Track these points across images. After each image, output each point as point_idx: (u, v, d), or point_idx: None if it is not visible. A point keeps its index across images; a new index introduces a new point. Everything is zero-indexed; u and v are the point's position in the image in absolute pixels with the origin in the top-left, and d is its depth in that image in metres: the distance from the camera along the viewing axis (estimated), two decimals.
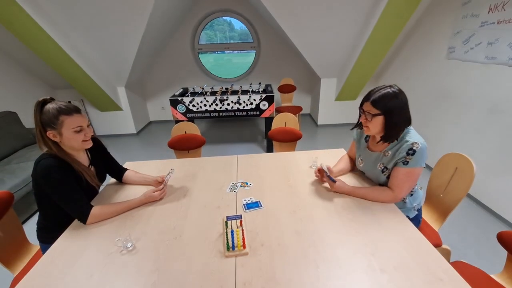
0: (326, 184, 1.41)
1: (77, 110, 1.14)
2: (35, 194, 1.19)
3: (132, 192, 1.42)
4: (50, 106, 1.09)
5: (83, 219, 1.14)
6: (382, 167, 1.27)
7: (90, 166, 1.31)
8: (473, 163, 1.27)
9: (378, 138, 1.25)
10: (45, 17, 2.75)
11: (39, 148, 1.14)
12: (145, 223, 1.17)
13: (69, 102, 1.17)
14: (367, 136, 1.39)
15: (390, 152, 1.23)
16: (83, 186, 1.20)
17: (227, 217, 1.15)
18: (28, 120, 3.45)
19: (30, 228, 2.18)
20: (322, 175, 1.39)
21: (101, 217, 1.18)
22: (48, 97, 1.13)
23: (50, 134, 1.10)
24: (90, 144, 1.21)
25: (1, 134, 2.72)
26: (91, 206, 1.16)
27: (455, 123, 2.58)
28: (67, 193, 1.12)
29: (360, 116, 1.25)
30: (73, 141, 1.14)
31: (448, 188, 1.40)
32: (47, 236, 1.22)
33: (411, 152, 1.14)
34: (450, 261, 1.26)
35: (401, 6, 2.65)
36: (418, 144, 1.13)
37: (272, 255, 0.97)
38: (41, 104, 1.10)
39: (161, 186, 1.34)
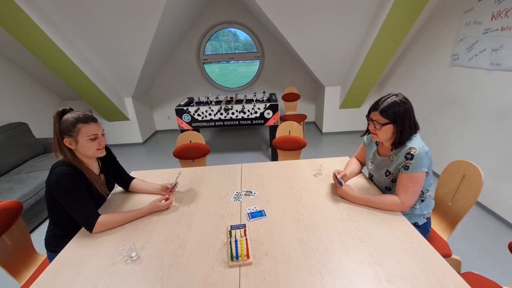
0: (329, 192, 1.41)
1: (93, 119, 1.20)
2: (48, 201, 1.22)
3: (138, 201, 1.43)
4: (69, 115, 1.15)
5: (90, 227, 1.16)
6: (385, 171, 1.32)
7: (101, 174, 1.34)
8: (480, 170, 1.25)
9: (386, 144, 1.31)
10: (56, 29, 2.87)
11: (55, 155, 1.19)
12: (149, 232, 1.17)
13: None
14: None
15: (393, 157, 1.27)
16: (93, 194, 1.23)
17: (231, 226, 1.14)
18: (39, 131, 3.55)
19: (38, 237, 2.22)
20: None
21: (108, 226, 1.19)
22: (68, 108, 1.19)
23: (67, 141, 1.15)
24: (103, 153, 1.25)
25: (12, 144, 2.80)
26: (99, 215, 1.18)
27: (461, 129, 2.55)
28: (76, 201, 1.14)
29: (368, 124, 1.30)
30: (88, 148, 1.18)
31: (456, 196, 1.37)
32: (55, 245, 1.23)
33: (409, 156, 1.17)
34: (461, 272, 1.23)
35: (403, 14, 2.68)
36: (415, 149, 1.16)
37: (276, 265, 0.96)
38: (61, 113, 1.16)
39: (167, 196, 1.35)
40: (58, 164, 1.15)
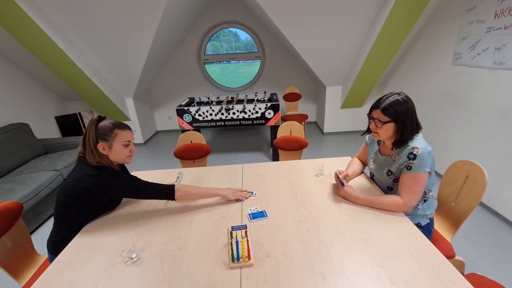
0: (331, 193, 1.40)
1: (128, 127, 1.27)
2: (61, 205, 1.20)
3: (139, 201, 1.42)
4: (106, 122, 1.22)
5: (172, 195, 1.25)
6: (387, 170, 1.30)
7: None
8: (484, 170, 1.23)
9: (388, 143, 1.29)
10: (56, 30, 2.87)
11: (89, 160, 1.19)
12: (150, 233, 1.17)
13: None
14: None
15: (395, 156, 1.26)
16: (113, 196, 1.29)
17: (232, 227, 1.14)
18: (40, 131, 3.55)
19: (38, 238, 2.22)
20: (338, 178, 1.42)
21: (186, 193, 1.29)
22: (103, 116, 1.25)
23: (101, 146, 1.19)
24: (131, 160, 1.30)
25: (13, 145, 2.80)
26: (173, 185, 1.27)
27: (464, 129, 2.53)
28: (146, 184, 1.24)
29: (369, 122, 1.29)
30: (120, 154, 1.23)
31: (460, 196, 1.36)
32: (60, 250, 1.21)
33: (412, 156, 1.16)
34: (464, 274, 1.21)
35: (404, 13, 2.66)
36: (418, 148, 1.15)
37: (277, 266, 0.95)
38: (98, 120, 1.21)
39: (244, 193, 1.41)
40: (100, 170, 1.18)
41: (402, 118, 1.17)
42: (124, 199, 1.46)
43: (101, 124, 1.20)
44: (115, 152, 1.22)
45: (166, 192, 1.26)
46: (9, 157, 2.70)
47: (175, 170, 1.80)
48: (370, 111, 1.26)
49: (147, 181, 1.26)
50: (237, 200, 1.38)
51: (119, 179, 1.20)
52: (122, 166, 1.46)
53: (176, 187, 1.26)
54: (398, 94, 1.20)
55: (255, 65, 4.76)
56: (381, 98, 1.22)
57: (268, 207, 1.31)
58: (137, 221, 1.25)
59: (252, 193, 1.45)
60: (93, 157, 1.19)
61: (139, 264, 1.00)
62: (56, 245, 1.26)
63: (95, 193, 1.18)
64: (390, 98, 1.19)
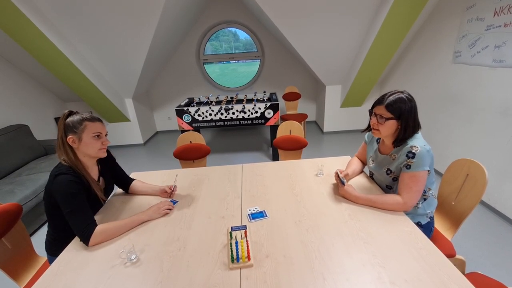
0: (331, 192, 1.40)
1: (99, 119, 1.23)
2: (46, 206, 1.21)
3: (138, 203, 1.42)
4: (76, 115, 1.19)
5: (87, 239, 1.09)
6: (386, 169, 1.30)
7: (100, 178, 1.34)
8: (485, 169, 1.23)
9: (387, 141, 1.29)
10: (55, 31, 2.86)
11: (57, 157, 1.19)
12: (149, 234, 1.16)
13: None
14: (379, 138, 1.40)
15: (395, 155, 1.26)
16: (91, 197, 1.21)
17: (231, 227, 1.13)
18: (40, 133, 3.55)
19: (38, 240, 2.22)
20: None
21: (105, 234, 1.13)
22: (75, 111, 1.22)
23: (70, 139, 1.16)
24: (105, 154, 1.26)
25: (13, 147, 2.79)
26: (95, 226, 1.12)
27: (464, 127, 2.52)
28: (77, 210, 1.10)
29: (370, 118, 1.28)
30: (91, 146, 1.19)
31: (460, 195, 1.35)
32: (57, 249, 1.21)
33: (411, 155, 1.16)
34: (465, 273, 1.21)
35: (404, 12, 2.65)
36: (417, 147, 1.15)
37: (277, 267, 0.95)
38: (68, 114, 1.19)
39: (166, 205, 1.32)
40: (61, 171, 1.13)
41: (405, 116, 1.17)
42: (119, 198, 1.46)
43: (70, 118, 1.17)
44: (85, 144, 1.17)
45: (83, 231, 1.08)
46: (8, 159, 2.70)
47: (175, 171, 1.79)
48: (373, 106, 1.25)
49: (82, 210, 1.10)
50: (164, 215, 1.30)
51: (68, 189, 1.09)
52: (109, 160, 1.41)
53: (95, 231, 1.09)
54: (402, 92, 1.19)
55: (255, 64, 4.76)
56: (385, 94, 1.21)
57: (267, 207, 1.31)
58: None
59: (173, 202, 1.40)
60: (59, 152, 1.17)
61: (139, 265, 1.00)
62: (51, 245, 1.27)
63: (49, 195, 1.16)
64: (394, 95, 1.18)
